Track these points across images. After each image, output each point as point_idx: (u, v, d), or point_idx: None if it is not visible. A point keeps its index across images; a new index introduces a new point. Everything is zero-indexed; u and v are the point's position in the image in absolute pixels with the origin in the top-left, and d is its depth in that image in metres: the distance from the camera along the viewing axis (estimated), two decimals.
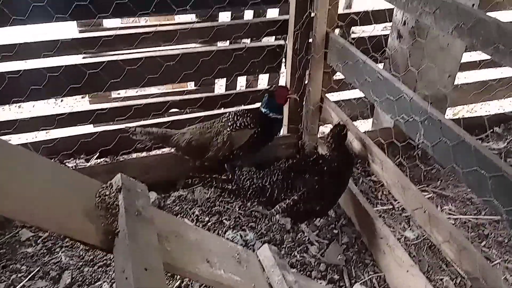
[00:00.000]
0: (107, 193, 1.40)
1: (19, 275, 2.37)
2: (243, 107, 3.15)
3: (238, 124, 2.73)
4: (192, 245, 1.59)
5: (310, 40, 2.80)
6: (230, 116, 2.79)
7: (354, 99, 3.37)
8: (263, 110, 2.75)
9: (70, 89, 2.66)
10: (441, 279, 2.43)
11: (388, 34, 3.18)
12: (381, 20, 3.26)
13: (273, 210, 2.51)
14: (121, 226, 1.30)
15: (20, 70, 2.55)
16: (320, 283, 2.38)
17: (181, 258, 1.46)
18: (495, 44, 1.45)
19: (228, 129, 2.73)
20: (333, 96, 3.08)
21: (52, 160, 2.37)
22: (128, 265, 1.16)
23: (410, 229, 2.71)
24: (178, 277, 2.38)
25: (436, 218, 1.94)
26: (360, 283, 2.33)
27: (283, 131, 3.25)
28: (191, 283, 2.36)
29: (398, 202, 2.85)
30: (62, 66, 2.61)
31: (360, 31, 4.32)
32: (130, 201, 1.39)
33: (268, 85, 3.93)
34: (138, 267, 1.17)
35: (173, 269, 1.41)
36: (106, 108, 2.91)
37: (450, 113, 4.14)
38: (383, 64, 3.27)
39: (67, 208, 1.30)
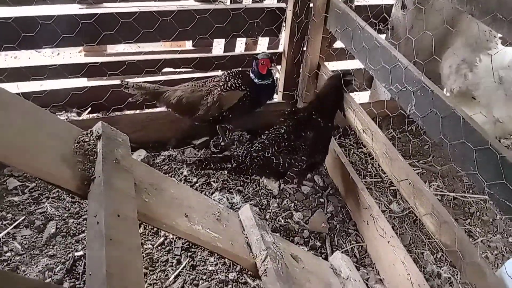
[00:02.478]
0: (87, 139, 1.39)
1: (4, 222, 2.38)
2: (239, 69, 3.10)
3: (229, 85, 2.69)
4: (172, 199, 1.59)
5: (311, 4, 2.73)
6: (223, 76, 2.75)
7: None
8: (251, 75, 2.71)
9: (63, 39, 2.60)
10: (422, 253, 2.45)
11: (392, 4, 3.10)
12: None
13: (288, 178, 2.51)
14: (97, 173, 1.29)
15: (12, 17, 2.49)
16: (302, 248, 2.39)
17: (158, 210, 1.46)
18: (494, 12, 1.40)
19: (219, 89, 2.69)
20: (332, 67, 3.02)
21: None
22: (101, 210, 1.16)
23: (396, 202, 2.72)
24: (162, 233, 2.40)
25: (420, 191, 1.93)
26: (342, 252, 2.35)
27: (278, 97, 3.21)
28: (175, 240, 2.38)
29: (387, 176, 2.85)
30: (55, 15, 2.54)
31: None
32: (109, 149, 1.37)
33: (267, 49, 3.86)
34: (111, 213, 1.16)
35: (150, 220, 1.41)
36: (99, 62, 2.85)
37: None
38: (385, 34, 3.20)
39: (44, 151, 1.28)
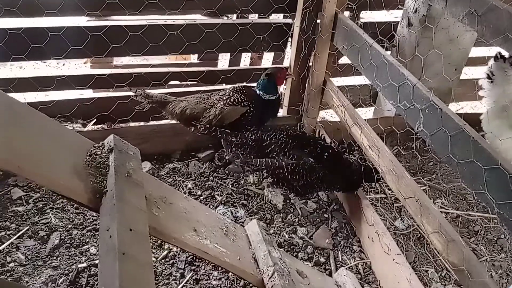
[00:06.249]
0: (99, 152, 1.39)
1: (8, 232, 2.37)
2: (244, 84, 3.11)
3: (232, 100, 2.70)
4: (181, 213, 1.59)
5: (318, 20, 2.76)
6: (228, 91, 2.77)
7: (358, 85, 3.33)
8: (258, 92, 2.71)
9: (71, 50, 2.62)
10: (427, 271, 2.44)
11: (398, 22, 3.13)
12: (392, 5, 3.20)
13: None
14: (109, 186, 1.29)
15: (22, 27, 2.51)
16: (307, 264, 2.38)
17: (168, 224, 1.46)
18: (505, 33, 1.41)
19: (222, 103, 2.70)
20: (336, 82, 3.03)
21: None
22: (113, 224, 1.15)
23: (401, 219, 2.71)
24: (166, 246, 2.38)
25: (427, 209, 1.93)
26: (346, 268, 2.33)
27: (283, 112, 3.22)
28: (178, 253, 2.36)
29: (391, 192, 2.85)
30: (65, 26, 2.56)
31: (370, 17, 4.25)
32: (120, 162, 1.38)
33: (272, 63, 3.88)
34: (123, 227, 1.16)
35: (159, 234, 1.41)
36: (106, 74, 2.87)
37: (453, 109, 4.09)
38: (390, 52, 3.23)
39: (57, 164, 1.28)
